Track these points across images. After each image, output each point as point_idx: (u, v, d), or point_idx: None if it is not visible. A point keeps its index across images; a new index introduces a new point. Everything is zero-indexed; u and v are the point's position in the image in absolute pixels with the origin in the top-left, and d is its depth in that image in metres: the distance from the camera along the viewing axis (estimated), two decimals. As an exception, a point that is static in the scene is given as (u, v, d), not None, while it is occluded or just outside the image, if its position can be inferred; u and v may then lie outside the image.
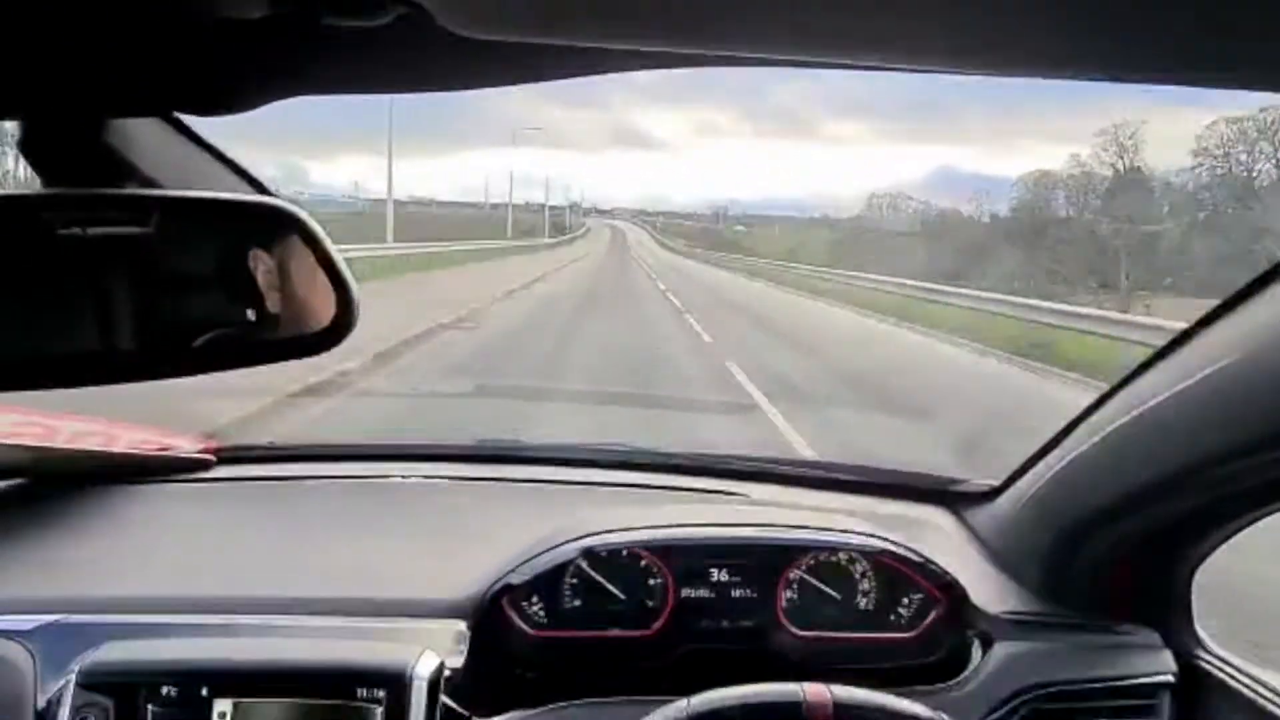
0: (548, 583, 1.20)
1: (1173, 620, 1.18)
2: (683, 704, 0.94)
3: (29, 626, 1.10)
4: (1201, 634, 1.19)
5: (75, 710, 0.97)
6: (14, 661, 1.07)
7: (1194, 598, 1.18)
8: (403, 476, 1.50)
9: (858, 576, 1.25)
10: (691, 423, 5.27)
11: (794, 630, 1.23)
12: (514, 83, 0.53)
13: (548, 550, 1.21)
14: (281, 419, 4.52)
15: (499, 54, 0.45)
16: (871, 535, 1.26)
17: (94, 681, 0.99)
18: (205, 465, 1.53)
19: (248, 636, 1.07)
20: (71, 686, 0.98)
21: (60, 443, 1.42)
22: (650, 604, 1.23)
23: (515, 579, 1.18)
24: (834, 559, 1.24)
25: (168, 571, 1.23)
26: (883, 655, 1.22)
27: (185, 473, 1.50)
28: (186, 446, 1.56)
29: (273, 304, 0.71)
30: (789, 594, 1.24)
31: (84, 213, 0.63)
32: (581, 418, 4.97)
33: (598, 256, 33.17)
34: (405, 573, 1.24)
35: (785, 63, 0.47)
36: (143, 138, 0.67)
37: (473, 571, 1.21)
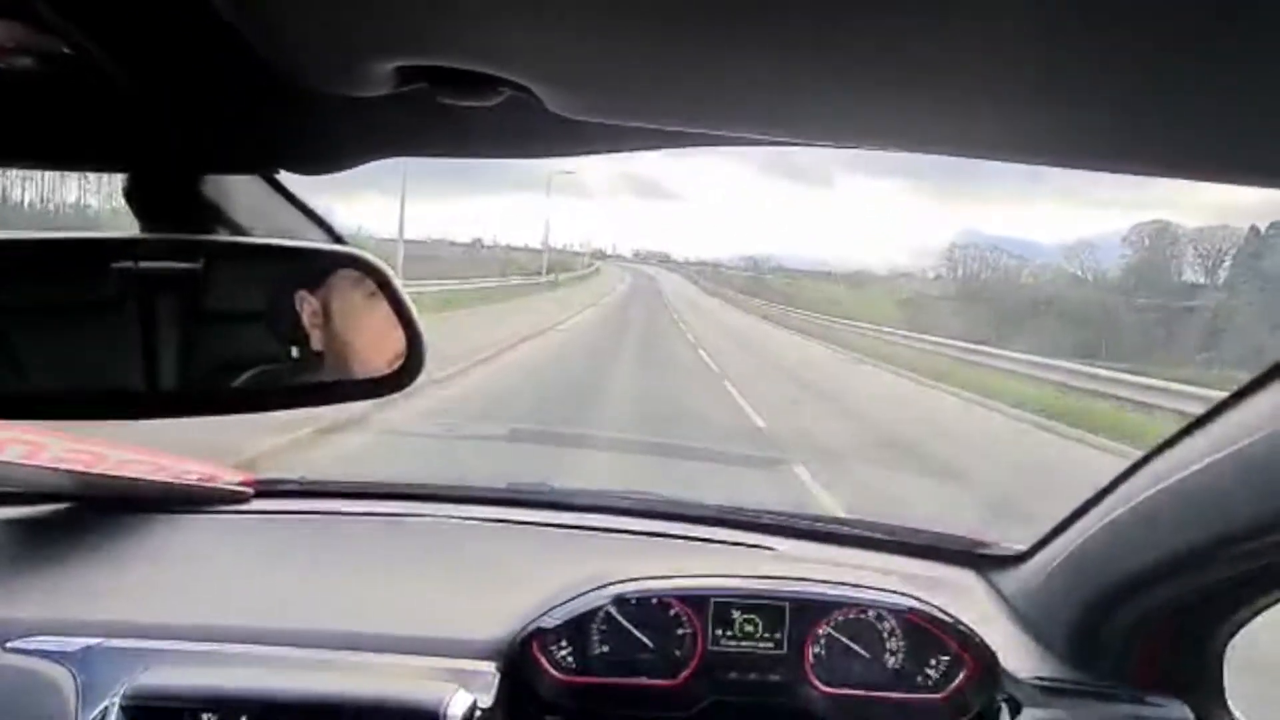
0: (577, 628, 1.21)
1: (1203, 692, 1.18)
2: None
3: (72, 649, 1.13)
4: (1233, 708, 1.18)
5: None
6: (57, 683, 1.10)
7: (1226, 670, 1.18)
8: (436, 517, 1.53)
9: (886, 635, 1.25)
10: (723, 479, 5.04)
11: (821, 686, 1.23)
12: (604, 153, 0.58)
13: (579, 595, 1.22)
14: (308, 452, 4.56)
15: (594, 130, 0.49)
16: (901, 594, 1.27)
17: (137, 705, 1.01)
18: (243, 498, 1.56)
19: (285, 668, 1.09)
20: (115, 710, 1.01)
21: (106, 469, 1.46)
22: (678, 654, 1.24)
23: (546, 623, 1.19)
24: (863, 616, 1.25)
25: (206, 601, 1.25)
26: (910, 716, 1.22)
27: (224, 504, 1.54)
28: (225, 478, 1.59)
29: (316, 343, 0.74)
30: (816, 649, 1.24)
31: (162, 254, 0.67)
32: (610, 467, 4.90)
33: (611, 304, 24.87)
34: (437, 612, 1.26)
35: (841, 144, 0.51)
36: (234, 188, 0.71)
37: (504, 613, 1.23)
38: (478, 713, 1.06)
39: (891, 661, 1.25)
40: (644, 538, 1.50)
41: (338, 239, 0.80)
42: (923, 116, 0.44)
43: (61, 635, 1.15)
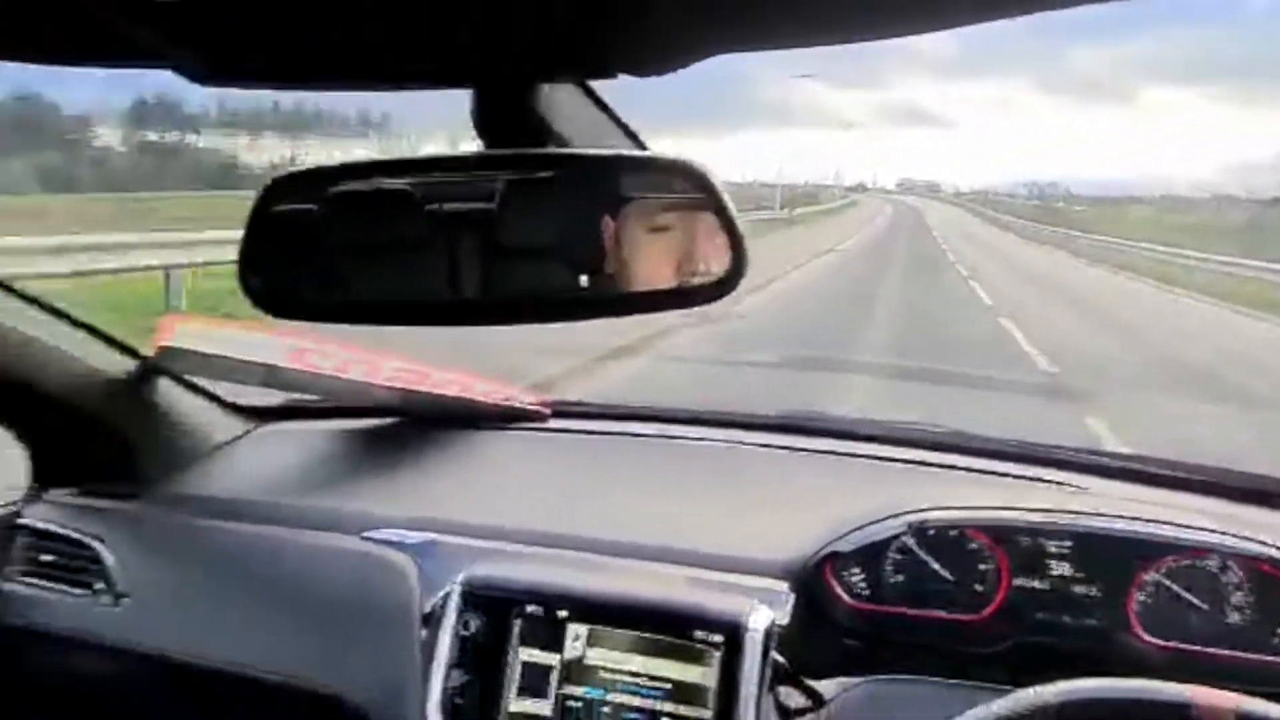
0: (873, 555, 1.18)
1: None
2: (1044, 691, 0.88)
3: (414, 541, 1.28)
4: None
5: (459, 616, 1.11)
6: (403, 569, 1.25)
7: None
8: (722, 441, 1.55)
9: (1229, 586, 1.10)
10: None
11: (1147, 638, 1.11)
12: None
13: (873, 523, 1.19)
14: (590, 378, 4.86)
15: None
16: (1250, 539, 1.10)
17: (474, 594, 1.13)
18: (542, 417, 1.68)
19: (595, 572, 1.16)
20: (456, 596, 1.13)
21: (427, 387, 1.63)
22: (979, 589, 1.17)
23: (841, 548, 1.17)
24: (1199, 563, 1.11)
25: (519, 507, 1.37)
26: (1260, 678, 1.07)
27: (525, 422, 1.66)
28: (524, 399, 1.72)
29: (635, 252, 0.75)
30: (1142, 597, 1.12)
31: (508, 171, 0.71)
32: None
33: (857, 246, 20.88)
34: (728, 531, 1.28)
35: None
36: (560, 105, 0.73)
37: (795, 536, 1.23)
38: (777, 628, 1.07)
39: (1236, 617, 1.09)
40: (935, 469, 1.42)
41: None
42: None
43: (403, 530, 1.30)
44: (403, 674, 1.16)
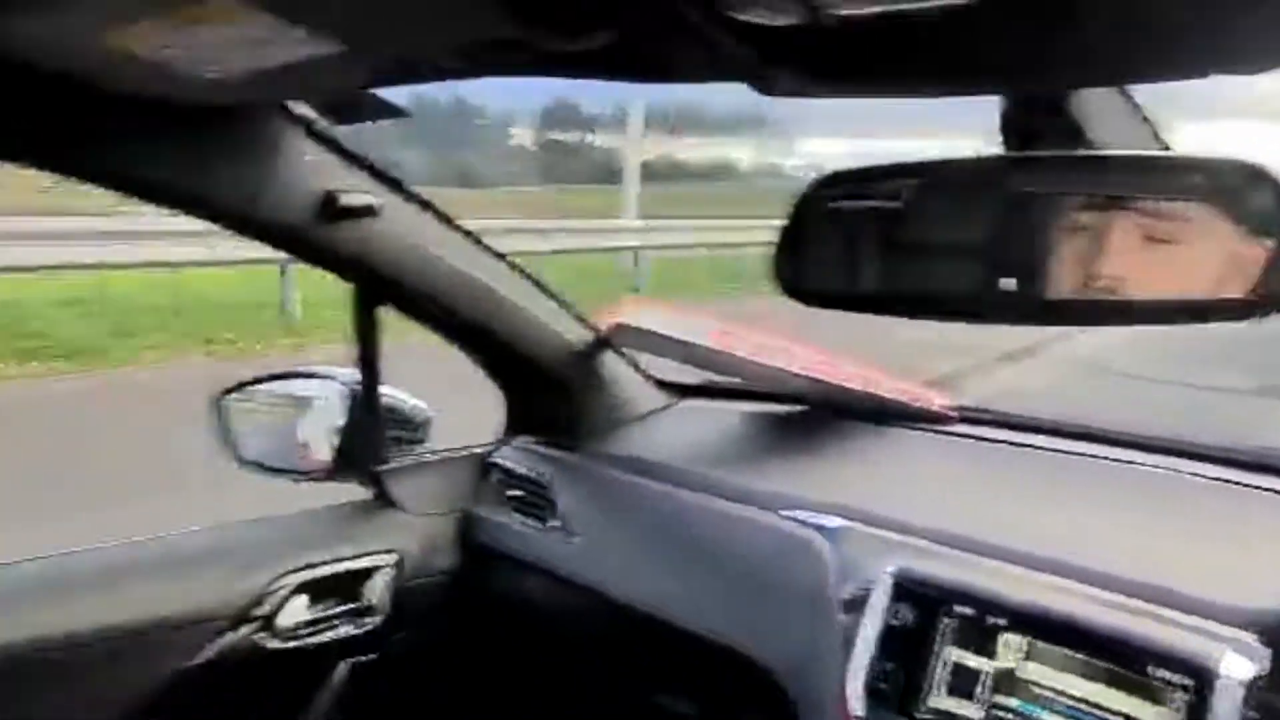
0: None
1: None
2: None
3: (833, 525, 1.33)
4: None
5: (889, 607, 1.14)
6: (819, 550, 1.30)
7: None
8: (1161, 468, 1.40)
9: None
10: None
11: None
12: None
13: None
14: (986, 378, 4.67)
15: None
16: None
17: (904, 585, 1.14)
18: (949, 420, 1.64)
19: (1031, 585, 1.11)
20: (887, 585, 1.15)
21: (837, 379, 1.67)
22: None
23: None
24: None
25: (932, 507, 1.35)
26: None
27: (931, 423, 1.64)
28: (932, 399, 1.70)
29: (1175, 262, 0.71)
30: None
31: (1044, 174, 0.70)
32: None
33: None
34: (1178, 566, 1.16)
35: None
36: (1093, 105, 0.72)
37: (1264, 584, 1.07)
38: (1258, 683, 0.95)
39: None
40: None
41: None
42: None
43: (819, 513, 1.35)
44: (821, 651, 1.21)
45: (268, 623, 1.51)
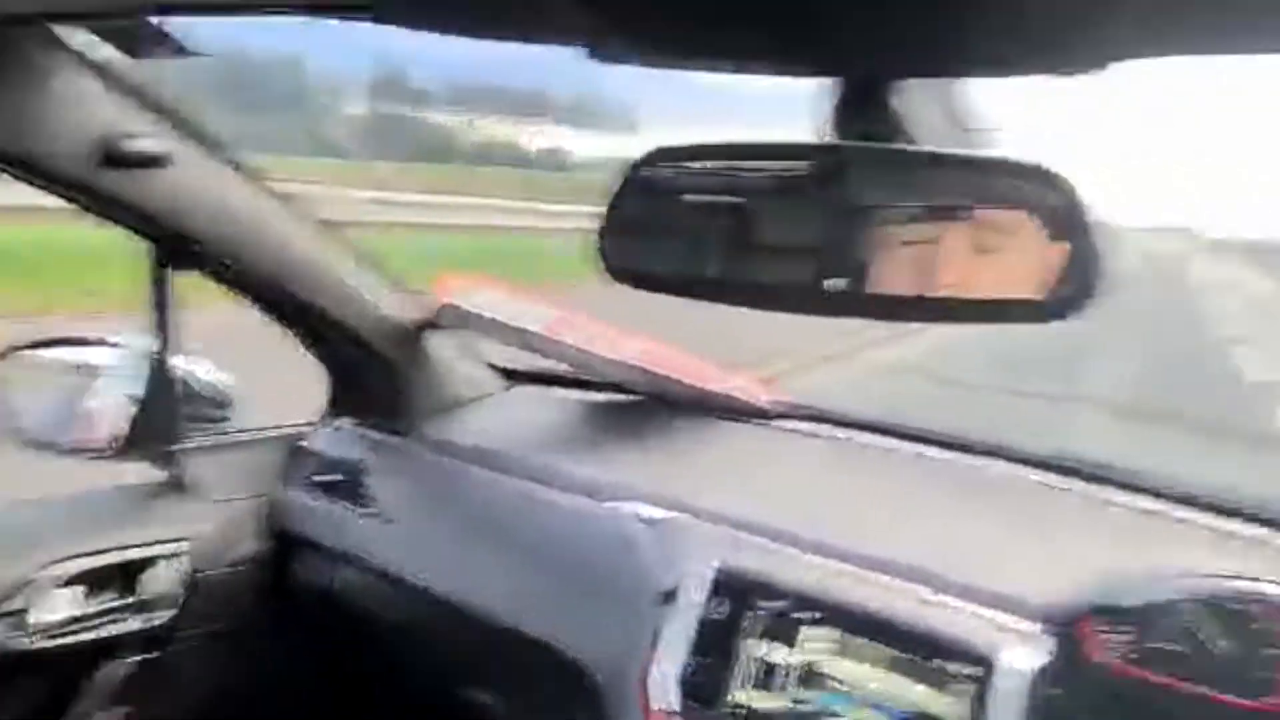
0: (1146, 616, 1.09)
1: None
2: None
3: (656, 517, 1.32)
4: None
5: (705, 601, 1.14)
6: (642, 544, 1.29)
7: None
8: (975, 467, 1.48)
9: None
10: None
11: None
12: None
13: (1150, 582, 1.10)
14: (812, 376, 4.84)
15: None
16: None
17: (718, 579, 1.15)
18: (774, 414, 1.68)
19: (840, 577, 1.14)
20: (708, 579, 1.15)
21: (668, 370, 1.67)
22: (1260, 674, 1.05)
23: (1112, 601, 1.09)
24: None
25: (758, 501, 1.37)
26: None
27: (757, 417, 1.67)
28: (759, 394, 1.73)
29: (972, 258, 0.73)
30: None
31: (877, 167, 0.71)
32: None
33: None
34: (982, 561, 1.22)
35: None
36: (913, 99, 0.72)
37: (1057, 580, 1.15)
38: (1037, 674, 1.01)
39: None
40: (1223, 535, 1.29)
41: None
42: None
43: (647, 505, 1.34)
44: (633, 643, 1.20)
45: (21, 618, 1.34)
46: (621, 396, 1.73)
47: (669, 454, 1.55)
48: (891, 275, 0.74)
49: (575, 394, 1.77)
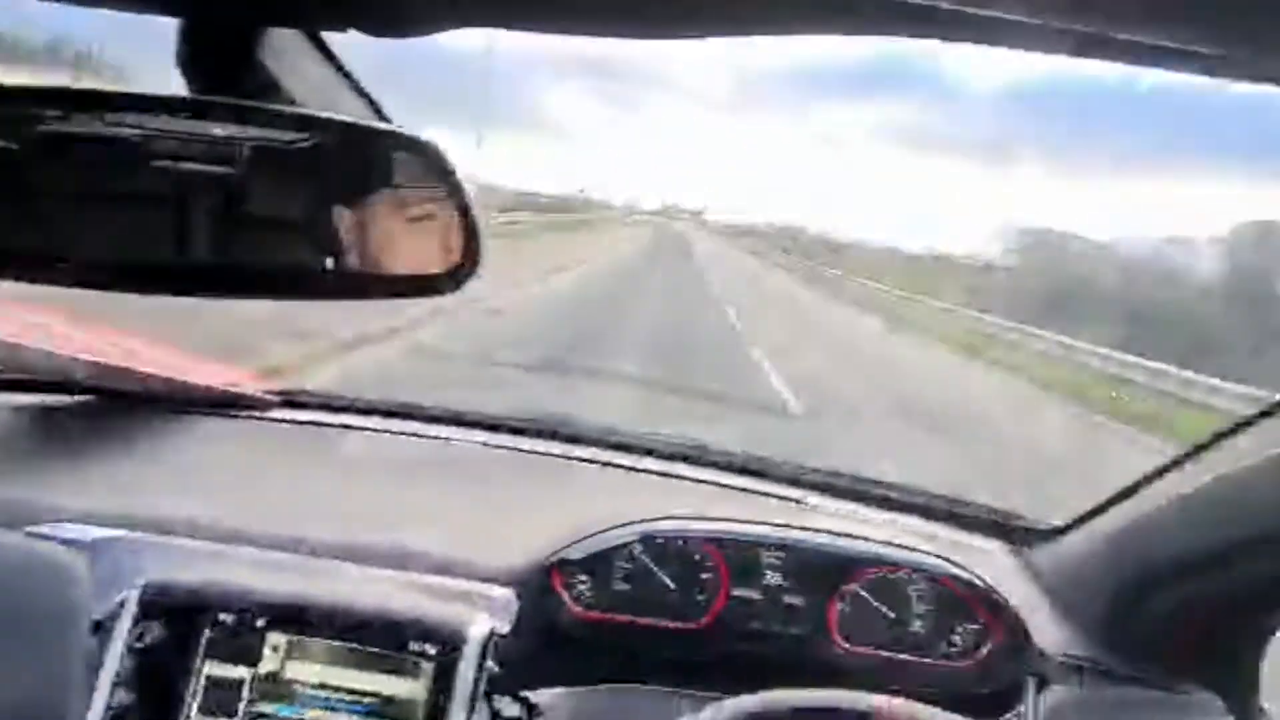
0: (600, 563, 1.19)
1: (1238, 688, 1.14)
2: (745, 702, 0.92)
3: (90, 537, 1.11)
4: (1267, 707, 1.14)
5: (134, 625, 0.98)
6: (72, 570, 1.08)
7: (1264, 670, 1.14)
8: (458, 441, 1.50)
9: (915, 597, 1.22)
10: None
11: (844, 644, 1.20)
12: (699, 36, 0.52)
13: (604, 531, 1.20)
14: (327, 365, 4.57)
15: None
16: (935, 556, 1.23)
17: (155, 600, 0.99)
18: (264, 405, 1.54)
19: (304, 575, 1.06)
20: (133, 603, 0.99)
21: (131, 365, 1.43)
22: (700, 598, 1.21)
23: (569, 555, 1.17)
24: (893, 576, 1.22)
25: (227, 502, 1.23)
26: (932, 680, 1.19)
27: (248, 410, 1.52)
28: (251, 385, 1.57)
29: (360, 231, 0.70)
30: (843, 606, 1.21)
31: (230, 123, 0.63)
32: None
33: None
34: (458, 534, 1.23)
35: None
36: (288, 55, 0.66)
37: (525, 542, 1.20)
38: (496, 638, 1.03)
39: (919, 625, 1.22)
40: (670, 479, 1.46)
41: (388, 123, 0.75)
42: None
43: (79, 523, 1.13)
44: (62, 690, 1.00)
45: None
46: (66, 398, 1.44)
47: (118, 460, 1.33)
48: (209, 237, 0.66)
49: (14, 398, 1.43)
